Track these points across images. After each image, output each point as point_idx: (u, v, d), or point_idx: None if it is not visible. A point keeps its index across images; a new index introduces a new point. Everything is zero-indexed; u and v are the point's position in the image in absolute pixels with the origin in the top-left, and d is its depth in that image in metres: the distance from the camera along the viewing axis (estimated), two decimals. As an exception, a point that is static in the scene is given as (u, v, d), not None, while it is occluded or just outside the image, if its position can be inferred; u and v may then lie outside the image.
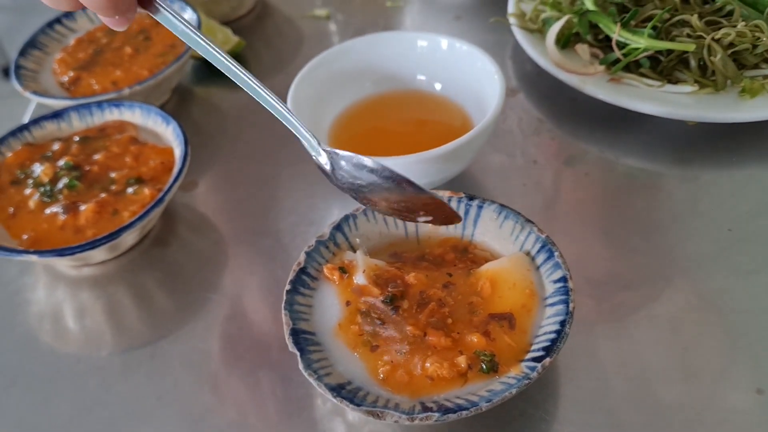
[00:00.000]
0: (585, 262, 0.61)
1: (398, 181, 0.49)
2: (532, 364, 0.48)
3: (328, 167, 0.51)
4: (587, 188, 0.69)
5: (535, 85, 0.81)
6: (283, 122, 0.51)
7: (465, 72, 0.69)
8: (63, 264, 0.66)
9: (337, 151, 0.50)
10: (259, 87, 0.49)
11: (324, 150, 0.51)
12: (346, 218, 0.59)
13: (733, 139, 0.70)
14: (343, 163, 0.50)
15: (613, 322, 0.57)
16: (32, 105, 0.89)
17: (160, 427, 0.55)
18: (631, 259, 0.62)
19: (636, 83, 0.71)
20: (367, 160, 0.49)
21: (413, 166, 0.60)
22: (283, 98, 0.65)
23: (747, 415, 0.50)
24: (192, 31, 0.46)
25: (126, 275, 0.67)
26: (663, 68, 0.72)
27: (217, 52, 0.47)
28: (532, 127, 0.75)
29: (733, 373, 0.53)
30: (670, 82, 0.71)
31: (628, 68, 0.73)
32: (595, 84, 0.71)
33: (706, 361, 0.54)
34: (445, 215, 0.52)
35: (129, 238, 0.65)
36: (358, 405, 0.46)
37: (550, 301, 0.52)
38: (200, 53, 0.47)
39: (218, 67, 0.47)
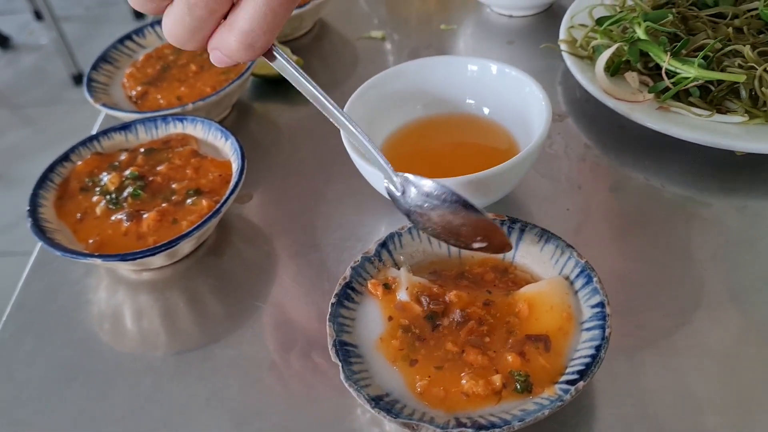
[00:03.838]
0: (627, 288, 0.62)
1: (462, 203, 0.54)
2: (566, 386, 0.49)
3: (398, 192, 0.57)
4: (632, 215, 0.69)
5: (583, 111, 0.82)
6: (362, 150, 0.58)
7: (513, 97, 0.70)
8: (124, 268, 0.70)
9: (409, 176, 0.56)
10: (347, 120, 0.55)
11: (397, 176, 0.56)
12: (391, 236, 0.61)
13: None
14: (413, 189, 0.56)
15: (656, 349, 0.58)
16: (101, 115, 0.94)
17: (208, 427, 0.58)
18: (675, 287, 0.62)
19: (684, 112, 0.72)
20: (434, 186, 0.55)
21: (458, 188, 0.61)
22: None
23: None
24: (301, 75, 0.51)
25: (182, 281, 0.71)
26: (713, 98, 0.72)
27: (320, 93, 0.53)
28: (578, 153, 0.76)
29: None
30: (719, 111, 0.71)
31: (677, 97, 0.73)
32: (644, 112, 0.72)
33: (751, 392, 0.54)
34: (498, 242, 0.56)
35: (186, 246, 0.68)
36: (395, 416, 0.48)
37: (586, 325, 0.53)
38: (306, 95, 0.53)
39: (317, 106, 0.54)
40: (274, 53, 0.50)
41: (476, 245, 0.56)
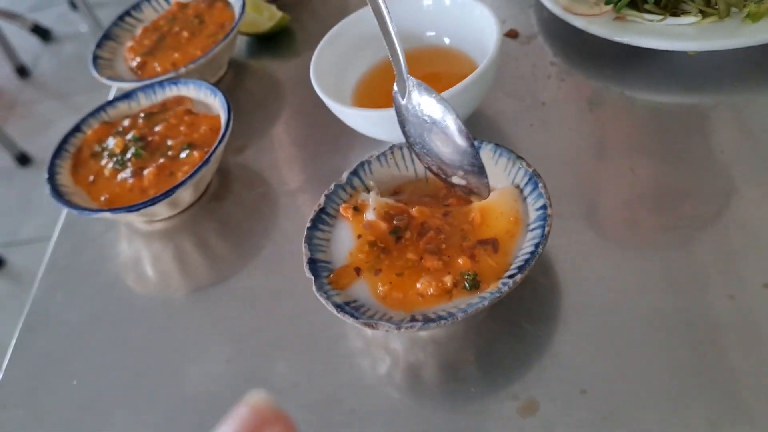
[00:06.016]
0: (588, 188, 0.67)
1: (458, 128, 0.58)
2: (507, 280, 0.55)
3: (402, 98, 0.63)
4: (594, 123, 0.73)
5: (550, 30, 0.85)
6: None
7: (468, 23, 0.74)
8: (136, 220, 0.78)
9: (421, 84, 0.61)
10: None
11: (410, 79, 0.62)
12: (361, 164, 0.67)
13: (737, 67, 0.73)
14: (417, 96, 0.61)
15: (628, 247, 0.62)
16: (113, 91, 1.02)
17: (214, 346, 0.66)
18: (635, 183, 0.66)
19: (639, 20, 0.74)
20: (436, 101, 0.60)
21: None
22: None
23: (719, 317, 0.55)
24: None
25: (189, 227, 0.78)
26: (667, 2, 0.74)
27: None
28: (543, 72, 0.80)
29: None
30: (675, 15, 0.74)
31: (635, 5, 0.76)
32: (600, 24, 0.75)
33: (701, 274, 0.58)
34: (477, 185, 0.60)
35: (185, 195, 0.76)
36: (356, 318, 0.55)
37: (531, 226, 0.58)
38: None
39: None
40: None
41: (456, 180, 0.60)
